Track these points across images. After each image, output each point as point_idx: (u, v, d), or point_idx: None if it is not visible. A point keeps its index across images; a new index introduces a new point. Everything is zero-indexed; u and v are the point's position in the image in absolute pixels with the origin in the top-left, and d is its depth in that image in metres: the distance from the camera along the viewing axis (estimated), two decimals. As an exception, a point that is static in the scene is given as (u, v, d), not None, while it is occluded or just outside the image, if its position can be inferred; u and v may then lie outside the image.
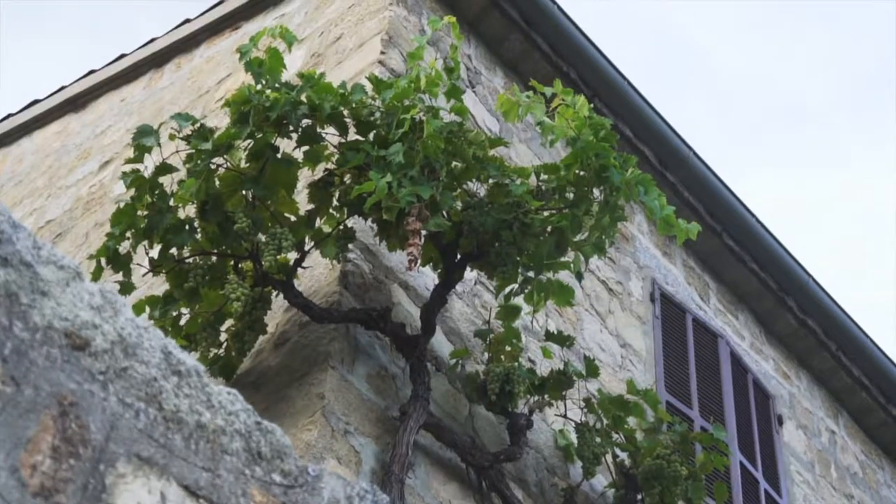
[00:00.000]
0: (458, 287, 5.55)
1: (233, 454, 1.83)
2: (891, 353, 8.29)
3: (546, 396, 5.33)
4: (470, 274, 5.55)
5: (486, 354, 5.26)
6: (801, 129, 24.09)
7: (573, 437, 5.42)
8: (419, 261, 4.34)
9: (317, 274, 5.13)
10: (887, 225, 23.46)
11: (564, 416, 5.39)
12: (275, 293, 4.87)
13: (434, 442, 4.91)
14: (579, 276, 4.90)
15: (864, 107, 23.72)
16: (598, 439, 5.32)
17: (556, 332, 5.36)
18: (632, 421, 5.55)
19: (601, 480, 5.67)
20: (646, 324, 6.74)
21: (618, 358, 6.34)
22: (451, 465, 4.96)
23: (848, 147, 24.06)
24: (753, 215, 7.60)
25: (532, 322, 5.64)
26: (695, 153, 7.36)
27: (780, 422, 7.37)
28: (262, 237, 4.58)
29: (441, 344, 5.27)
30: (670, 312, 6.94)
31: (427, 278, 5.34)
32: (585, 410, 5.43)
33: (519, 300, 5.15)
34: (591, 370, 5.38)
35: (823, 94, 24.27)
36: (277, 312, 5.06)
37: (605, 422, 5.39)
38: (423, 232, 4.67)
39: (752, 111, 24.05)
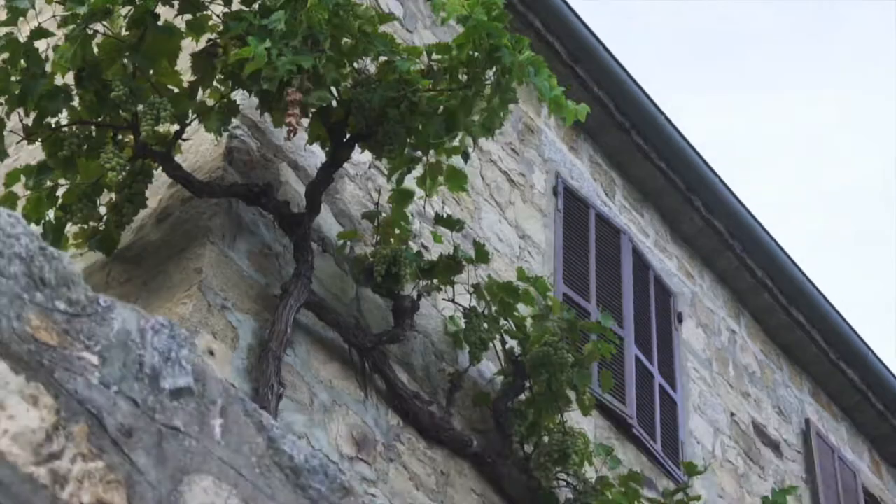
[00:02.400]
0: (351, 170, 5.47)
1: (10, 277, 1.75)
2: (794, 254, 8.33)
3: (435, 281, 5.29)
4: (364, 157, 5.46)
5: (375, 238, 5.19)
6: (737, 53, 24.08)
7: (463, 324, 5.39)
8: (297, 131, 4.24)
9: (202, 150, 5.02)
10: (812, 150, 23.65)
11: (453, 301, 5.36)
12: (157, 167, 4.77)
13: (316, 322, 4.86)
14: (465, 157, 4.84)
15: (796, 35, 23.71)
16: (485, 325, 5.30)
17: (446, 216, 5.30)
18: (525, 310, 5.54)
19: (490, 368, 5.67)
20: (547, 216, 6.71)
21: (516, 249, 6.31)
22: (334, 346, 4.92)
23: (780, 73, 24.12)
24: (662, 112, 7.56)
25: (424, 207, 5.57)
26: (605, 47, 7.28)
27: (680, 319, 7.41)
28: (141, 107, 4.46)
29: (330, 226, 5.20)
30: (573, 207, 6.91)
31: (317, 158, 5.24)
32: (474, 296, 5.40)
33: (412, 185, 5.09)
34: (481, 255, 5.34)
35: (760, 20, 24.21)
36: (161, 188, 4.96)
37: (494, 308, 5.37)
38: (309, 108, 4.59)
39: (689, 34, 23.93)
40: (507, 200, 6.46)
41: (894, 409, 8.78)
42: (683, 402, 7.03)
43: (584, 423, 6.03)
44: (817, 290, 8.39)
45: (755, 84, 24.30)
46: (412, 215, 5.39)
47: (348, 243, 5.18)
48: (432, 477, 5.10)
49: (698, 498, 5.96)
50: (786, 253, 8.18)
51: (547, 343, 5.35)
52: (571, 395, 5.47)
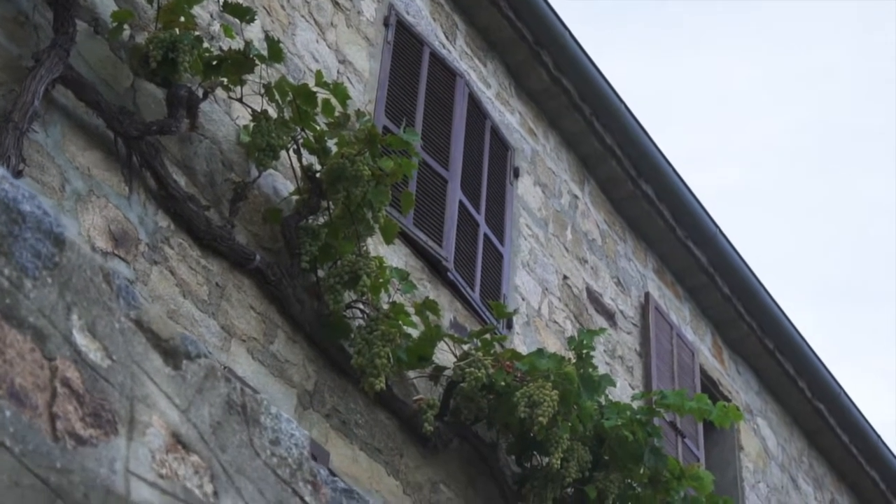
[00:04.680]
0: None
1: None
2: (646, 123, 7.99)
3: (224, 80, 4.84)
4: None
5: (157, 25, 4.71)
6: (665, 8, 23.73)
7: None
8: None
9: None
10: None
11: (240, 101, 4.91)
12: None
13: (78, 105, 4.39)
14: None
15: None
16: (275, 131, 4.86)
17: (235, 3, 4.84)
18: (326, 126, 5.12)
19: (288, 186, 5.25)
20: (374, 47, 6.27)
21: (333, 73, 5.87)
22: (97, 133, 4.45)
23: (708, 30, 23.88)
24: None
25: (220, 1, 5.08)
26: None
27: (517, 174, 7.04)
28: None
29: (107, 6, 4.70)
30: (405, 41, 6.48)
31: (96, -67, 4.73)
32: (266, 99, 4.96)
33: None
34: (275, 53, 4.89)
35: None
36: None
37: (287, 112, 4.93)
38: None
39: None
40: (329, 22, 6.00)
41: (740, 292, 8.55)
42: (511, 256, 6.68)
43: (395, 262, 5.66)
44: (668, 163, 8.07)
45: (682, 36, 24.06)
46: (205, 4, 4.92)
47: (127, 30, 4.70)
48: (204, 287, 4.68)
49: (504, 338, 5.64)
50: (636, 119, 7.84)
51: (344, 156, 4.94)
52: (373, 222, 5.09)
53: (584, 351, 5.40)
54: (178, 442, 1.87)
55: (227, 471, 1.93)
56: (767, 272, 21.85)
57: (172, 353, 1.96)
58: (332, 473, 2.39)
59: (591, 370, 5.36)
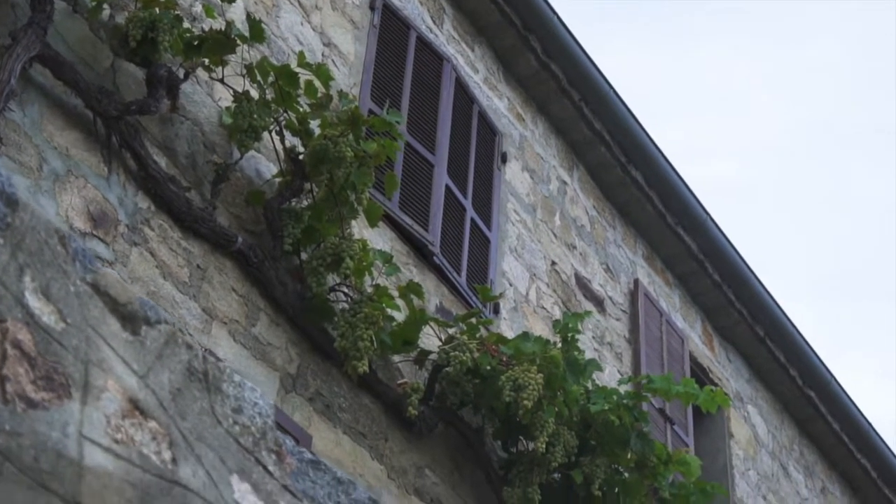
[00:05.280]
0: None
1: None
2: (643, 116, 7.96)
3: (205, 60, 4.80)
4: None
5: (137, 4, 4.66)
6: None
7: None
8: None
9: None
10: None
11: (222, 82, 4.87)
12: None
13: (56, 84, 4.35)
14: None
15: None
16: (257, 112, 4.82)
17: (216, -17, 4.79)
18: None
19: (270, 168, 5.21)
20: (360, 30, 6.22)
21: (318, 55, 5.82)
22: (76, 113, 4.41)
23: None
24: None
25: (201, -18, 5.04)
26: None
27: (504, 159, 7.00)
28: None
29: (86, -14, 4.65)
30: (392, 25, 6.43)
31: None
32: (248, 80, 4.91)
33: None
34: (256, 33, 4.85)
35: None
36: None
37: (269, 93, 4.89)
38: None
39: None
40: (314, 5, 5.96)
41: (730, 279, 8.51)
42: (498, 241, 6.64)
43: (381, 247, 5.62)
44: (658, 149, 8.03)
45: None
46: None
47: (106, 9, 4.65)
48: (185, 269, 4.64)
49: (490, 322, 5.60)
50: (627, 107, 7.80)
51: (326, 136, 4.90)
52: (357, 205, 5.04)
53: (570, 334, 5.36)
54: (136, 408, 1.83)
55: (186, 438, 1.89)
56: (770, 272, 21.74)
57: (131, 318, 1.92)
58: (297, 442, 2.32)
59: (576, 354, 5.33)
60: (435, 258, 5.98)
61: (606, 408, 5.47)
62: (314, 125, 5.06)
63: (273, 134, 5.06)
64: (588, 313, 5.63)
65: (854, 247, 24.68)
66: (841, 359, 22.96)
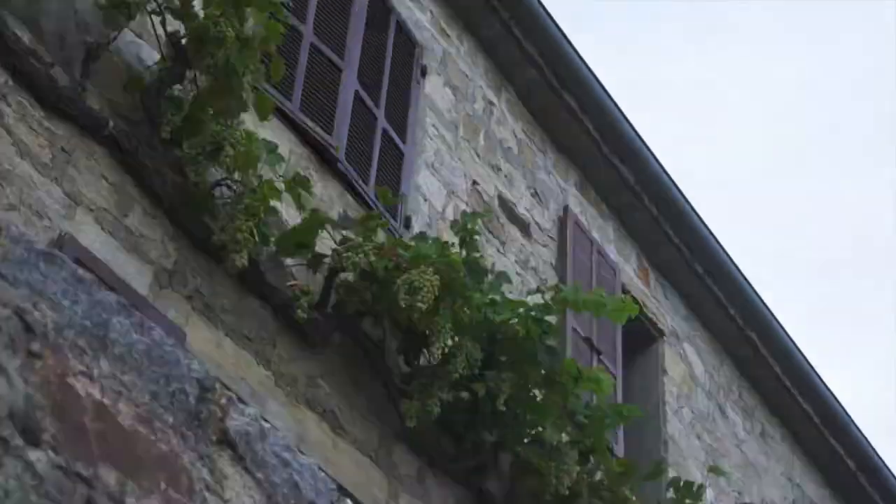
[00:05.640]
0: None
1: None
2: (572, 35, 7.63)
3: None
4: None
5: None
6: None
7: (109, -13, 4.58)
8: None
9: None
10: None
11: (92, -47, 4.55)
12: None
13: None
14: None
15: None
16: (131, -16, 4.50)
17: None
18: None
19: (153, 56, 4.89)
20: (266, -74, 5.89)
21: (216, -54, 5.49)
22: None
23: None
24: None
25: None
26: None
27: (424, 73, 6.69)
28: None
29: None
30: (302, -76, 6.10)
31: None
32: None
33: None
34: None
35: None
36: None
37: (144, -33, 4.57)
38: None
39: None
40: None
41: (667, 213, 8.23)
42: (414, 156, 6.34)
43: (281, 151, 5.30)
44: (593, 75, 7.73)
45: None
46: None
47: None
48: (47, 150, 4.32)
49: (385, 224, 5.31)
50: (560, 28, 7.48)
51: (208, 17, 4.59)
52: (244, 93, 4.73)
53: (469, 236, 5.07)
54: None
55: None
56: (758, 269, 21.35)
57: None
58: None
59: (476, 256, 5.04)
60: (339, 164, 5.68)
61: (511, 318, 5.20)
62: (198, 8, 4.75)
63: (153, 17, 4.74)
64: (488, 212, 5.34)
65: (844, 238, 24.48)
66: (820, 343, 22.67)
